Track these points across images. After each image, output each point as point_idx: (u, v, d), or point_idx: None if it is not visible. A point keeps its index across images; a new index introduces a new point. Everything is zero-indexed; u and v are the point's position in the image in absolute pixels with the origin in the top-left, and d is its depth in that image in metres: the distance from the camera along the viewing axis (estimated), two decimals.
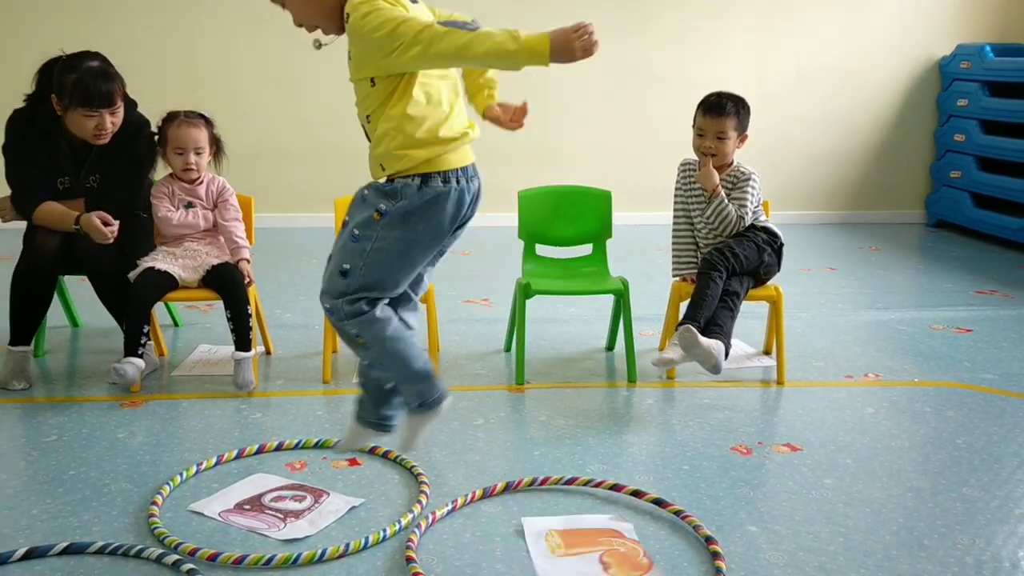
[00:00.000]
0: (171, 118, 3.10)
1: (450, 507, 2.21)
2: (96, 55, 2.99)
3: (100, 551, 2.00)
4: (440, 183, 1.96)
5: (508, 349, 3.48)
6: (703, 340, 2.84)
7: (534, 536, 2.09)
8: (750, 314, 3.37)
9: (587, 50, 1.76)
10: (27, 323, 3.06)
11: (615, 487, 2.32)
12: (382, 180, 2.03)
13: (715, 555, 2.00)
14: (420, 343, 2.05)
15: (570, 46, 1.75)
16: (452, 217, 2.01)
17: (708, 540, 2.06)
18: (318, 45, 2.09)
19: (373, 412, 2.22)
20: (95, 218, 2.93)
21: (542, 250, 3.48)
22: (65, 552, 1.99)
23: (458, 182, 1.99)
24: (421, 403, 2.10)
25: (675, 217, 3.32)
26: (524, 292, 3.12)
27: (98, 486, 2.33)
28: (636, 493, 2.29)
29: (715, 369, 2.86)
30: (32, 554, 1.98)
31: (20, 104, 3.08)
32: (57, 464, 2.46)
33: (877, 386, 3.17)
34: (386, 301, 2.05)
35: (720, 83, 3.51)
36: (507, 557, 2.02)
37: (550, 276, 3.35)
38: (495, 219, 6.22)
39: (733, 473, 2.47)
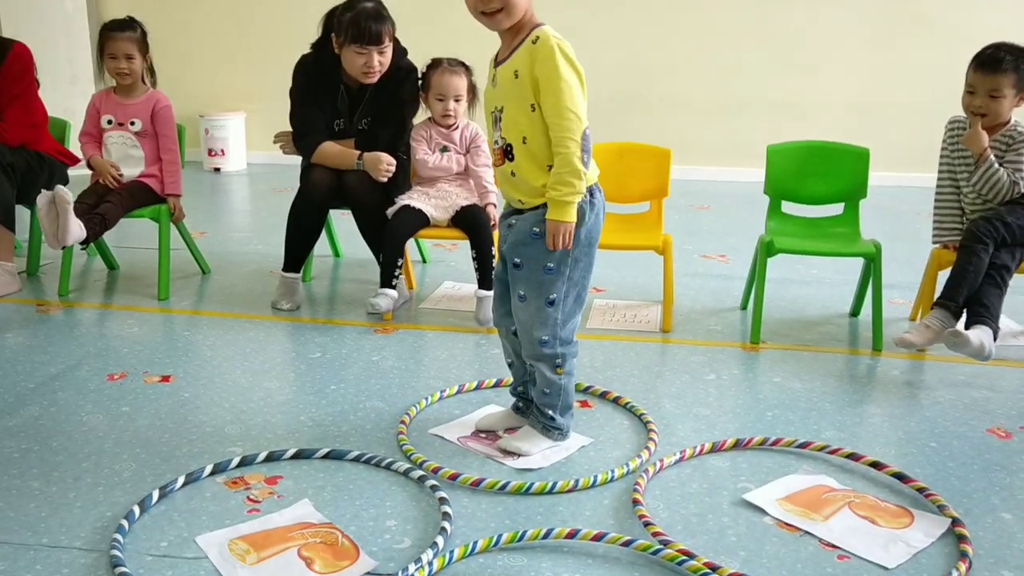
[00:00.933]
0: (435, 64, 3.25)
1: (678, 457, 2.23)
2: None
3: (356, 459, 2.21)
4: (598, 193, 2.13)
5: (744, 307, 3.41)
6: (972, 337, 2.62)
7: (774, 507, 2.02)
8: (1020, 288, 3.08)
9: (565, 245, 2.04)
10: (299, 252, 3.39)
11: (853, 455, 2.23)
12: (535, 206, 2.09)
13: (961, 537, 1.89)
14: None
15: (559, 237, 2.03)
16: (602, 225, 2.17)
17: (954, 522, 1.94)
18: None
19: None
20: (381, 154, 3.18)
21: (788, 207, 3.35)
22: (327, 457, 2.22)
23: (599, 192, 2.15)
24: (564, 433, 2.28)
25: (939, 179, 3.08)
26: (767, 249, 3.03)
27: (355, 402, 2.56)
28: (876, 464, 2.19)
29: (987, 359, 2.65)
30: (300, 455, 2.22)
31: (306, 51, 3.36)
32: (321, 378, 2.73)
33: None
34: None
35: (1002, 32, 3.18)
36: (733, 512, 2.01)
37: (795, 235, 3.22)
38: (735, 173, 6.07)
39: (987, 456, 2.29)
